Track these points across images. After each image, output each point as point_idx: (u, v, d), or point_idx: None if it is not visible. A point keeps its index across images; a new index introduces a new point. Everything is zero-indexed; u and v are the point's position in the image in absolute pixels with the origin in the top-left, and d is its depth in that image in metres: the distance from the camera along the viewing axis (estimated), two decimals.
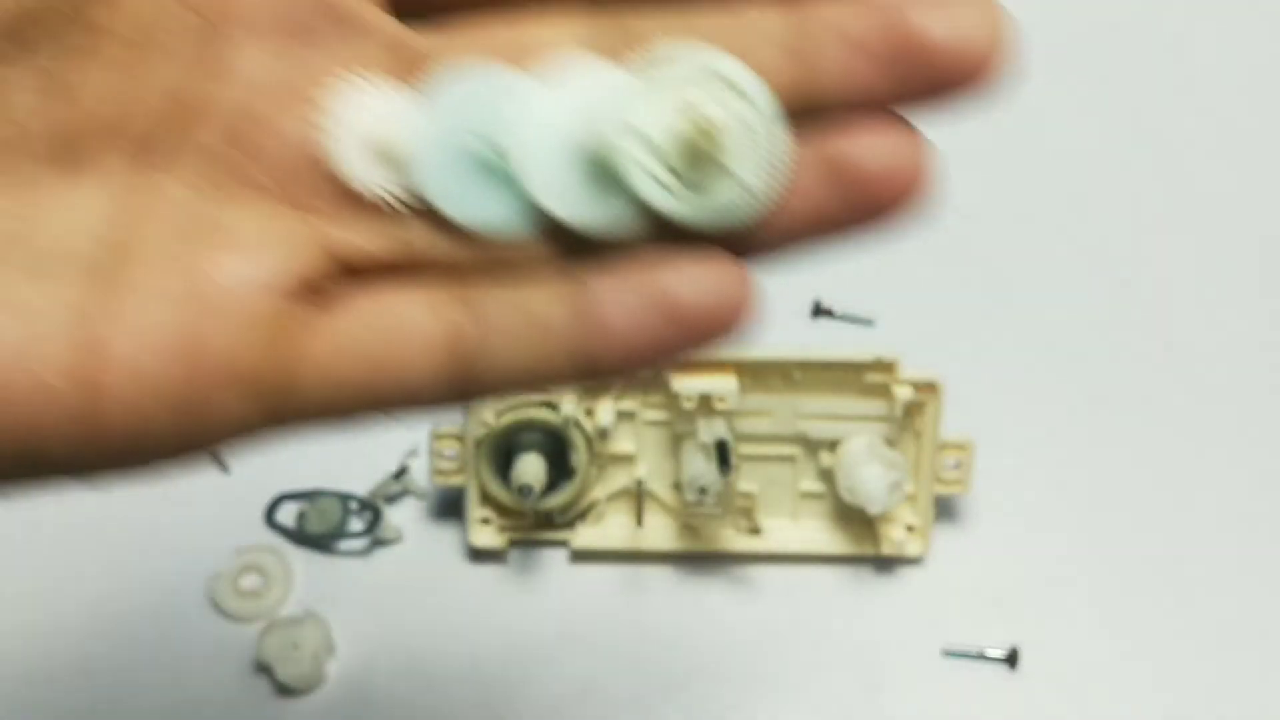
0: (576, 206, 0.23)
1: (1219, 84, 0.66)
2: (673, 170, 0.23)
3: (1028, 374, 0.54)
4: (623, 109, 0.23)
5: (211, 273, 0.23)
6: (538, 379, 0.24)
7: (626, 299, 0.23)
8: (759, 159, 0.22)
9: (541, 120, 0.23)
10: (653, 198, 0.23)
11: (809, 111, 0.23)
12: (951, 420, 0.47)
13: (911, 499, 0.48)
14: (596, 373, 0.24)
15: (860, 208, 0.24)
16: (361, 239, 0.24)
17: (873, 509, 0.46)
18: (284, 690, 0.45)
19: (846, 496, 0.47)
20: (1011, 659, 0.46)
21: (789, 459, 0.48)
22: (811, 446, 0.48)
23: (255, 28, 0.23)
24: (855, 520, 0.48)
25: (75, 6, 0.23)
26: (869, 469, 0.46)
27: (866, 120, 0.23)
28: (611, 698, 0.45)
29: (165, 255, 0.23)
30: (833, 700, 0.45)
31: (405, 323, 0.24)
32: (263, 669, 0.45)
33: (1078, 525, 0.50)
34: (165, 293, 0.22)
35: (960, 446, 0.48)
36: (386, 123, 0.23)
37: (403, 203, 0.24)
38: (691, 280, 0.23)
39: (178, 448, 0.24)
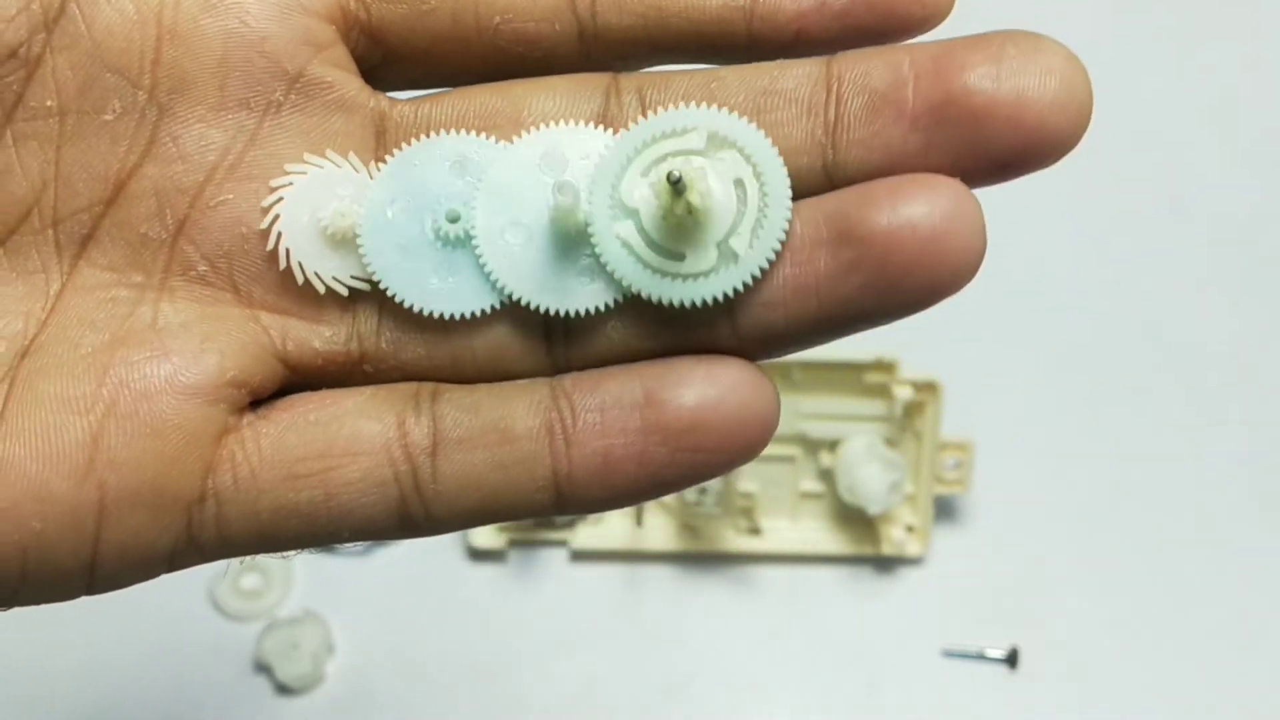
0: (546, 291, 0.20)
1: (1219, 84, 0.66)
2: (657, 247, 0.20)
3: (1028, 374, 0.54)
4: (600, 181, 0.20)
5: (126, 375, 0.20)
6: (501, 507, 0.20)
7: (607, 405, 0.20)
8: (753, 230, 0.19)
9: (508, 194, 0.20)
10: (632, 278, 0.20)
11: (832, 179, 0.20)
12: (951, 420, 0.47)
13: (911, 499, 0.48)
14: (570, 504, 0.20)
15: (878, 282, 0.19)
16: (309, 334, 0.21)
17: (873, 509, 0.46)
18: (284, 690, 0.45)
19: (846, 496, 0.47)
20: (1011, 659, 0.46)
21: (789, 459, 0.48)
22: (811, 446, 0.48)
23: (207, 102, 0.21)
24: (855, 520, 0.48)
25: None
26: (869, 469, 0.46)
27: (890, 182, 0.19)
28: (611, 698, 0.45)
29: (77, 355, 0.20)
30: (833, 700, 0.45)
31: (348, 432, 0.20)
32: (263, 669, 0.45)
33: (1078, 525, 0.50)
34: (69, 398, 0.20)
35: (960, 446, 0.48)
36: (342, 206, 0.20)
37: (356, 293, 0.21)
38: (690, 383, 0.19)
39: (78, 573, 0.20)
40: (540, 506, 0.20)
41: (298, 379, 0.21)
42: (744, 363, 0.20)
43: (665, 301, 0.19)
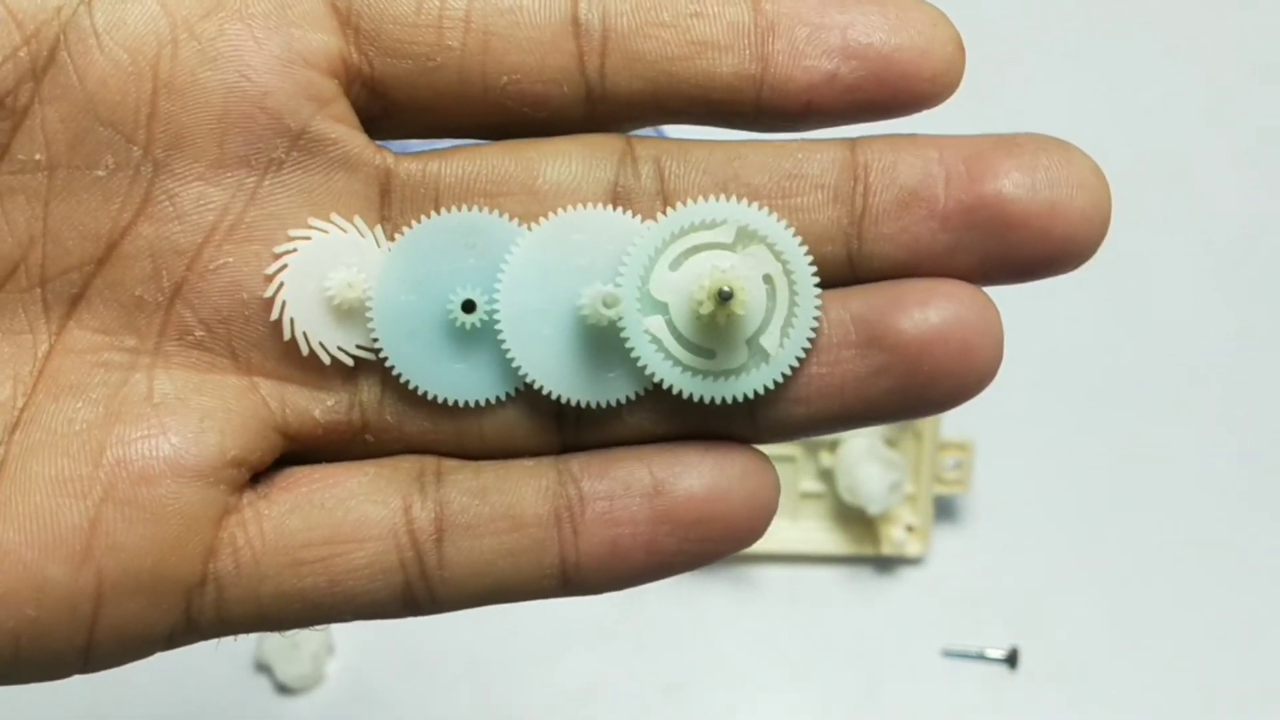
0: (571, 381, 0.20)
1: (1219, 84, 0.66)
2: (686, 342, 0.20)
3: (1028, 374, 0.54)
4: (629, 273, 0.19)
5: (123, 455, 0.19)
6: (507, 592, 0.20)
7: (614, 492, 0.20)
8: (783, 329, 0.19)
9: (533, 281, 0.20)
10: (663, 374, 0.19)
11: (855, 268, 0.20)
12: (951, 420, 0.47)
13: (911, 499, 0.48)
14: (576, 589, 0.20)
15: (906, 387, 0.20)
16: (310, 402, 0.20)
17: (873, 509, 0.46)
18: (284, 690, 0.45)
19: (846, 496, 0.47)
20: (1011, 659, 0.46)
21: (789, 459, 0.48)
22: (811, 446, 0.48)
23: (206, 159, 0.19)
24: (855, 520, 0.48)
25: None
26: (869, 469, 0.46)
27: (921, 284, 0.20)
28: (611, 698, 0.45)
29: (71, 432, 0.19)
30: (833, 700, 0.45)
31: (353, 518, 0.20)
32: (263, 669, 0.45)
33: (1077, 525, 0.50)
34: (65, 480, 0.19)
35: (960, 446, 0.48)
36: (349, 277, 0.20)
37: (360, 361, 0.20)
38: (697, 472, 0.20)
39: (73, 656, 0.20)
40: (546, 592, 0.20)
41: (296, 448, 0.20)
42: (750, 450, 0.20)
43: (696, 398, 0.19)
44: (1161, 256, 0.59)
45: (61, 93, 0.19)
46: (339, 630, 0.46)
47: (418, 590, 0.20)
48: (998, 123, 0.58)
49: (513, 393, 0.20)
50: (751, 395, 0.19)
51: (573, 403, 0.20)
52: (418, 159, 0.20)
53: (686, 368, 0.19)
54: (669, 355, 0.19)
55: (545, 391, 0.20)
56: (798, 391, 0.20)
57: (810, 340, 0.19)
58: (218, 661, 0.46)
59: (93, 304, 0.20)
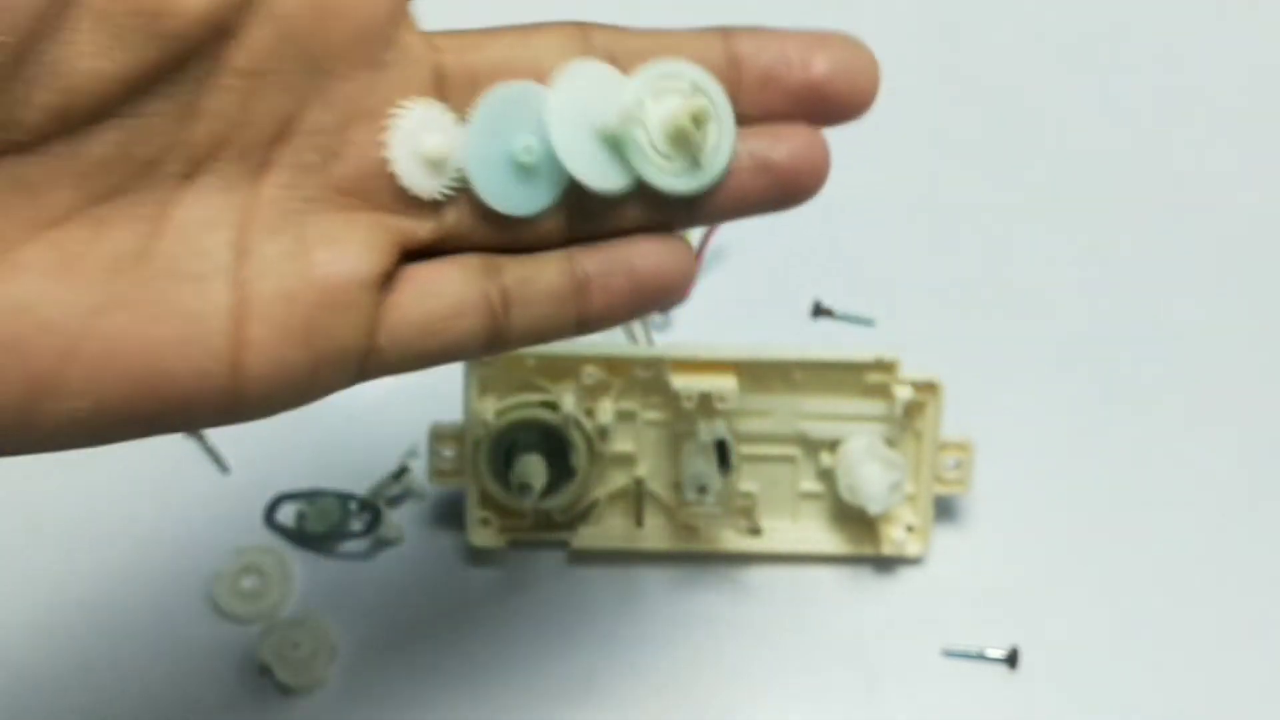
0: (596, 176, 0.30)
1: (1219, 84, 0.66)
2: (662, 153, 0.30)
3: (1028, 374, 0.54)
4: (629, 107, 0.29)
5: (317, 270, 0.28)
6: (547, 338, 0.31)
7: (606, 271, 0.31)
8: (721, 147, 0.30)
9: (571, 117, 0.29)
10: (649, 173, 0.30)
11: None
12: (951, 420, 0.47)
13: (911, 499, 0.48)
14: (588, 328, 0.31)
15: (778, 192, 0.31)
16: (416, 227, 0.30)
17: (873, 509, 0.46)
18: (284, 690, 0.45)
19: (846, 496, 0.47)
20: (1011, 659, 0.46)
21: (789, 459, 0.48)
22: (811, 446, 0.48)
23: (347, 62, 0.28)
24: (855, 520, 0.48)
25: (211, 46, 0.27)
26: (869, 469, 0.46)
27: (786, 128, 0.31)
28: (611, 698, 0.45)
29: (280, 256, 0.28)
30: (832, 700, 0.45)
31: (450, 294, 0.30)
32: (263, 669, 0.45)
33: (1078, 525, 0.50)
34: (286, 290, 0.28)
35: (960, 446, 0.48)
36: (437, 138, 0.29)
37: (448, 198, 0.30)
38: (650, 255, 0.31)
39: (291, 406, 0.29)
40: (571, 334, 0.31)
41: (406, 257, 0.30)
42: (680, 240, 0.31)
43: (666, 189, 0.30)
44: (1162, 256, 0.59)
45: (263, 19, 0.27)
46: (339, 630, 0.46)
47: (495, 342, 0.30)
48: (999, 120, 0.58)
49: (549, 207, 0.30)
50: (697, 189, 0.30)
51: (596, 188, 0.30)
52: (454, 54, 0.29)
53: (662, 170, 0.30)
54: (652, 161, 0.30)
55: (582, 179, 0.29)
56: (720, 191, 0.30)
57: (730, 160, 0.30)
58: (218, 663, 0.46)
59: (277, 169, 0.28)
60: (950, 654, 0.46)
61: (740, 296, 0.56)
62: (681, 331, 0.55)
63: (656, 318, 0.55)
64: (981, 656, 0.46)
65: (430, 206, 0.29)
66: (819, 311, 0.56)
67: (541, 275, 0.30)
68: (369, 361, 0.29)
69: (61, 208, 0.26)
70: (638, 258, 0.31)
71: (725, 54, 0.30)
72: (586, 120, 0.29)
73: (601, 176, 0.30)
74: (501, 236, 0.30)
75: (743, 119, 0.30)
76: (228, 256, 0.28)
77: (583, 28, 0.30)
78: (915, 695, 0.45)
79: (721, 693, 0.46)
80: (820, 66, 0.30)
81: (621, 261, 0.31)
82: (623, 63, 0.29)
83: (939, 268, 0.58)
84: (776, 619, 0.47)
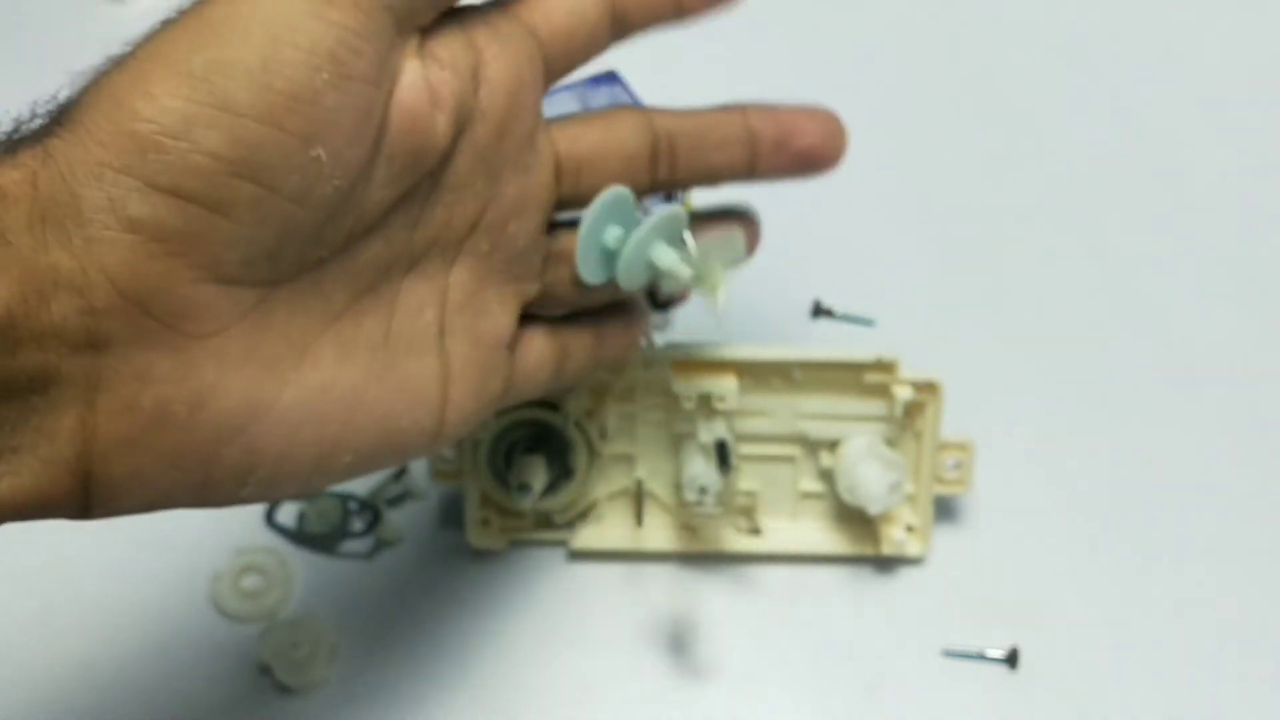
0: (633, 281, 0.38)
1: (1219, 84, 0.66)
2: (689, 263, 0.38)
3: (1028, 374, 0.54)
4: (670, 244, 0.38)
5: (486, 338, 0.36)
6: (586, 377, 0.44)
7: (618, 333, 0.41)
8: (726, 264, 0.39)
9: (636, 236, 0.37)
10: (682, 276, 0.38)
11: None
12: (951, 420, 0.47)
13: (911, 499, 0.48)
14: (605, 366, 0.43)
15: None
16: (530, 290, 0.38)
17: (873, 509, 0.46)
18: (284, 690, 0.45)
19: (846, 496, 0.47)
20: (1011, 659, 0.46)
21: (789, 459, 0.48)
22: (811, 446, 0.48)
23: (509, 169, 0.35)
24: (855, 520, 0.48)
25: (434, 173, 0.34)
26: (869, 469, 0.46)
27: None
28: (611, 698, 0.45)
29: (464, 329, 0.35)
30: (833, 700, 0.45)
31: (539, 348, 0.39)
32: (263, 669, 0.45)
33: (1078, 525, 0.50)
34: (471, 359, 0.36)
35: (960, 446, 0.48)
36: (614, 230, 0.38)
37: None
38: (615, 335, 0.42)
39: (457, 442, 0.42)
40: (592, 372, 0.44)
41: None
42: (634, 313, 0.43)
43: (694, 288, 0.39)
44: (1163, 256, 0.59)
45: (467, 144, 0.34)
46: (339, 630, 0.46)
47: (553, 386, 0.41)
48: (999, 121, 0.58)
49: (609, 281, 0.38)
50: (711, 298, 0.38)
51: (632, 288, 0.39)
52: (565, 143, 0.37)
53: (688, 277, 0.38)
54: (683, 275, 0.38)
55: (624, 285, 0.38)
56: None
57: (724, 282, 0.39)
58: (218, 662, 0.46)
59: (463, 258, 0.35)
60: (950, 654, 0.46)
61: (740, 296, 0.56)
62: (681, 331, 0.55)
63: (657, 318, 0.55)
64: (981, 656, 0.46)
65: (539, 274, 0.38)
66: (819, 311, 0.56)
67: (584, 336, 0.40)
68: (505, 405, 0.38)
69: (340, 305, 0.33)
70: (608, 339, 0.41)
71: (745, 128, 0.39)
72: (650, 240, 0.38)
73: (637, 279, 0.39)
74: (577, 297, 0.38)
75: (759, 177, 0.40)
76: (435, 332, 0.35)
77: (645, 114, 0.38)
78: (915, 695, 0.45)
79: (722, 693, 0.46)
80: (812, 138, 0.39)
81: (629, 329, 0.42)
82: (675, 143, 0.38)
83: (939, 268, 0.58)
84: (776, 619, 0.47)
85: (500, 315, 0.36)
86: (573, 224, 0.38)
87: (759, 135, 0.39)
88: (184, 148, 0.27)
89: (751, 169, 0.39)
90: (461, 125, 0.34)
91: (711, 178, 0.39)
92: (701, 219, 0.41)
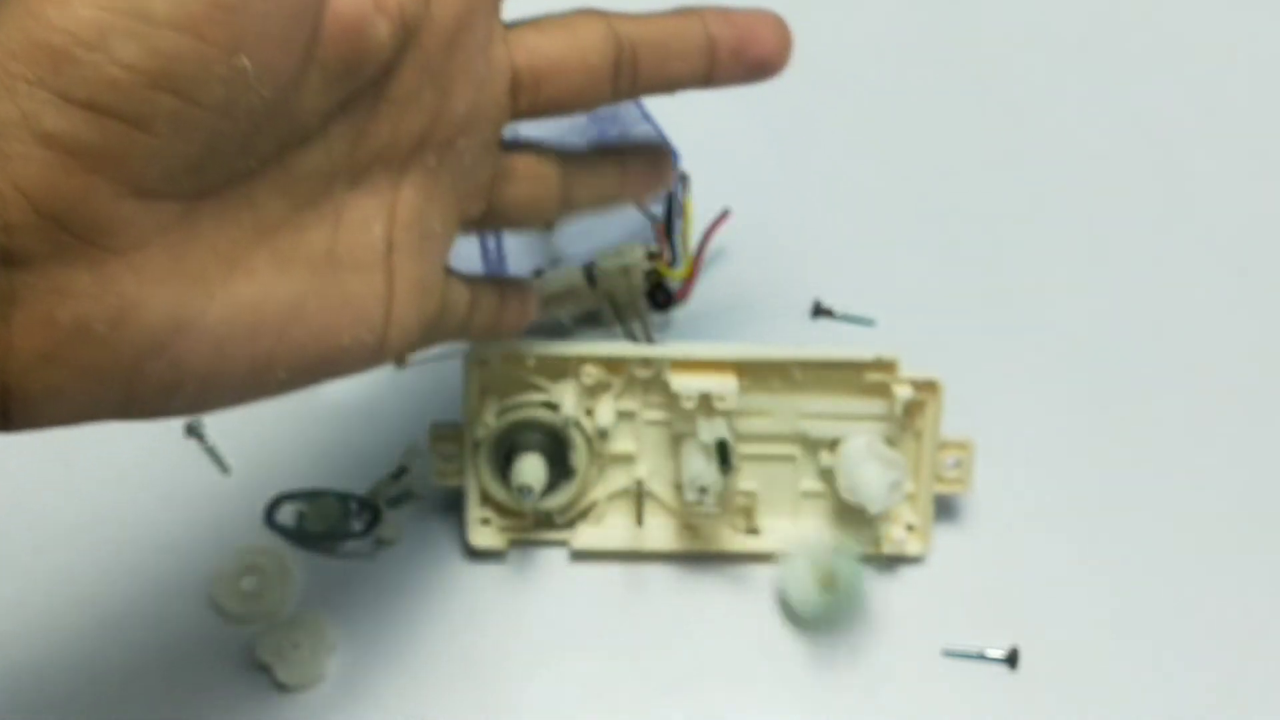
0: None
1: (1219, 84, 0.66)
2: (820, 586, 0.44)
3: (1028, 374, 0.54)
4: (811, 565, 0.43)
5: (433, 259, 0.36)
6: (481, 338, 0.43)
7: (516, 304, 0.43)
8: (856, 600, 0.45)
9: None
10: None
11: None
12: (951, 420, 0.47)
13: (911, 498, 0.48)
14: (498, 334, 0.43)
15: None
16: (474, 210, 0.38)
17: (873, 508, 0.46)
18: (284, 690, 0.45)
19: (846, 496, 0.47)
20: (1011, 659, 0.46)
21: (789, 459, 0.48)
22: (811, 446, 0.48)
23: (460, 82, 0.34)
24: (855, 520, 0.48)
25: (377, 82, 0.32)
26: (869, 468, 0.46)
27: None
28: (611, 698, 0.45)
29: (411, 245, 0.35)
30: (833, 700, 0.45)
31: (457, 288, 0.39)
32: (263, 669, 0.45)
33: (1078, 525, 0.50)
34: (415, 277, 0.35)
35: (960, 446, 0.48)
36: None
37: None
38: None
39: (404, 358, 0.41)
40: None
41: None
42: None
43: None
44: (1163, 256, 0.59)
45: (414, 55, 0.33)
46: (339, 630, 0.46)
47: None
48: (999, 121, 0.58)
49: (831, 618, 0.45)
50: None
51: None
52: (523, 54, 0.36)
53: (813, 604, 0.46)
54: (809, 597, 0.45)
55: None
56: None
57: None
58: (217, 662, 0.46)
59: (412, 173, 0.34)
60: (950, 654, 0.46)
61: (740, 296, 0.56)
62: (681, 331, 0.55)
63: (656, 318, 0.55)
64: (981, 656, 0.46)
65: (486, 193, 0.37)
66: (819, 311, 0.56)
67: (488, 294, 0.40)
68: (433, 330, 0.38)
69: (275, 218, 0.32)
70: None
71: (705, 35, 0.37)
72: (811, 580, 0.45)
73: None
74: (526, 220, 0.40)
75: (710, 85, 0.38)
76: (382, 249, 0.34)
77: (608, 20, 0.36)
78: (915, 695, 0.45)
79: (722, 693, 0.46)
80: (767, 45, 0.38)
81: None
82: (638, 53, 0.37)
83: (939, 268, 0.58)
84: (776, 619, 0.47)
85: (444, 234, 0.36)
86: (529, 145, 0.37)
87: (718, 43, 0.38)
88: (99, 59, 0.26)
89: (708, 78, 0.38)
90: (408, 34, 0.32)
91: (669, 88, 0.38)
92: (617, 151, 0.40)
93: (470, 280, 0.39)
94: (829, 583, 0.45)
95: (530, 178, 0.38)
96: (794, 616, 0.45)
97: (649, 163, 0.42)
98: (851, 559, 0.45)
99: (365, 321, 0.34)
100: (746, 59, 0.38)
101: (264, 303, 0.31)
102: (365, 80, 0.32)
